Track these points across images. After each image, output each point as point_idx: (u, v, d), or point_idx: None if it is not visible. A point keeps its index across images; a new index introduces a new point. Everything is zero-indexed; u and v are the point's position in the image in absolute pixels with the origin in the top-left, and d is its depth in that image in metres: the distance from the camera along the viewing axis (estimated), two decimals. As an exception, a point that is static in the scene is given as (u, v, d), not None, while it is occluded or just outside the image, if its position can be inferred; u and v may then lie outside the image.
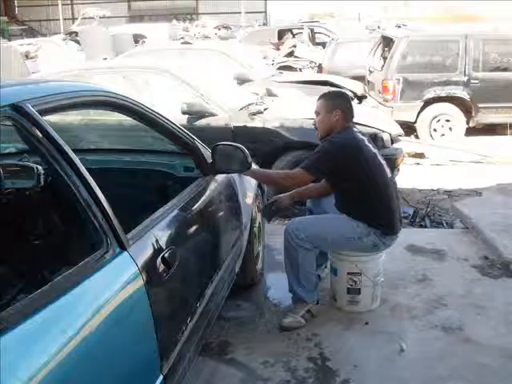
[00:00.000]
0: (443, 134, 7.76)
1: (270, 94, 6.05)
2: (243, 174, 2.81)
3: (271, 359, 2.60)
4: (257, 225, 3.29)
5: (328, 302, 3.11)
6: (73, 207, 1.55)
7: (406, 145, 6.39)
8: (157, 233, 1.80)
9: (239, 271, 2.90)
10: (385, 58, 8.27)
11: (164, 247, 1.79)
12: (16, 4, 30.94)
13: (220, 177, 2.61)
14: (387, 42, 8.51)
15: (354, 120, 2.97)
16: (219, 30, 16.78)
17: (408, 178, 5.62)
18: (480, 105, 7.66)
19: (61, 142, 1.51)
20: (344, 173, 2.79)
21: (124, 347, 1.50)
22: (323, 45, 12.61)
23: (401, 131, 5.07)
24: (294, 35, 13.49)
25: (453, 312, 2.98)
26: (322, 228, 2.86)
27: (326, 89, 4.63)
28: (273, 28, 15.52)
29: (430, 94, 7.71)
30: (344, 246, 2.90)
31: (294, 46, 11.90)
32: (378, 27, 13.69)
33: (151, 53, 7.98)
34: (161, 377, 1.68)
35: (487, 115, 7.75)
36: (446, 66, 7.69)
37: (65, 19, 25.93)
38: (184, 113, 4.41)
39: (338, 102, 2.90)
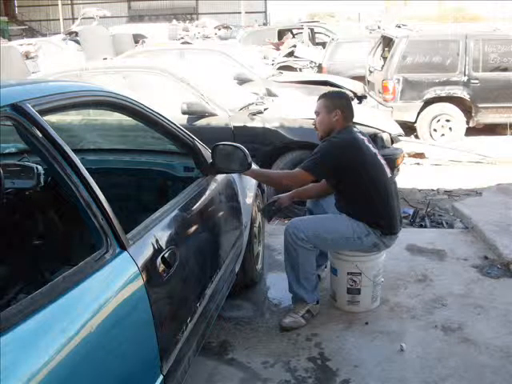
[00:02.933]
0: (443, 134, 7.78)
1: (269, 94, 6.06)
2: (243, 174, 2.81)
3: (271, 359, 2.60)
4: (257, 225, 3.29)
5: (328, 302, 3.11)
6: (73, 207, 1.55)
7: (406, 145, 6.40)
8: (157, 233, 1.80)
9: (239, 271, 2.90)
10: (385, 58, 8.29)
11: (164, 247, 1.79)
12: (16, 4, 30.99)
13: (220, 177, 2.60)
14: (387, 42, 8.52)
15: (354, 120, 2.97)
16: (219, 30, 16.76)
17: (408, 178, 5.63)
18: (480, 105, 7.68)
19: (61, 142, 1.51)
20: (344, 173, 2.79)
21: (124, 347, 1.50)
22: (323, 45, 12.61)
23: (401, 131, 5.07)
24: (293, 35, 13.49)
25: (453, 312, 2.98)
26: (321, 228, 2.85)
27: (326, 89, 4.64)
28: (273, 28, 15.51)
29: (430, 93, 7.72)
30: (344, 245, 2.90)
31: (294, 46, 11.89)
32: (378, 27, 13.71)
33: (151, 53, 7.98)
34: (161, 377, 1.68)
35: (487, 115, 7.77)
36: (445, 66, 7.70)
37: (65, 19, 25.97)
38: (184, 113, 4.41)
39: (337, 102, 2.89)
